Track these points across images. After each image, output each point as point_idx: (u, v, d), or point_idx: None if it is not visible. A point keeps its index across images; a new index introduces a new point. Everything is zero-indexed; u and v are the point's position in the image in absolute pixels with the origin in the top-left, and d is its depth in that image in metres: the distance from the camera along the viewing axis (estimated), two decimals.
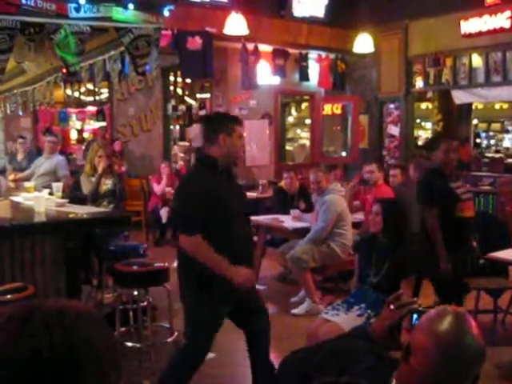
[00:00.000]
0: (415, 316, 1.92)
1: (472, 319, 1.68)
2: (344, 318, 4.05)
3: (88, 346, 1.09)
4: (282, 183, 8.05)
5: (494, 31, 9.14)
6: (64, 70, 5.55)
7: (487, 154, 17.86)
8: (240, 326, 3.93)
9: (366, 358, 1.91)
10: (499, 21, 9.03)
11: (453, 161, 5.21)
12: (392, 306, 2.08)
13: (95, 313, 1.19)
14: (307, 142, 13.67)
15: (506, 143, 22.74)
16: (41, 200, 5.23)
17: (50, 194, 6.03)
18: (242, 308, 3.79)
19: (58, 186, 6.04)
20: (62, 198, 5.85)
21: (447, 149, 5.17)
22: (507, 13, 8.88)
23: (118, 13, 4.84)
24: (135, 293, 4.98)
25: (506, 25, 8.94)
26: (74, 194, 6.17)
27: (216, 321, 3.67)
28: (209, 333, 3.66)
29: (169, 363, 3.81)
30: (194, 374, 3.67)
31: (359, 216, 7.15)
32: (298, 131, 17.15)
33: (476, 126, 19.42)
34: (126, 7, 4.86)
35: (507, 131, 23.24)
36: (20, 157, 8.98)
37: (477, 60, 9.87)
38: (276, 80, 10.88)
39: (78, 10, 4.65)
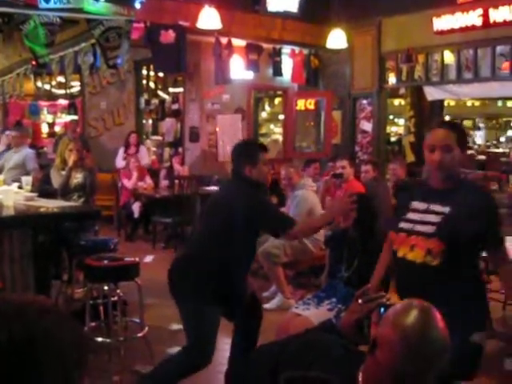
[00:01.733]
0: (383, 310, 1.92)
1: (437, 313, 1.69)
2: (314, 313, 4.05)
3: (49, 341, 1.07)
4: None
5: (466, 28, 9.21)
6: (33, 62, 5.47)
7: None
8: (231, 319, 4.01)
9: (334, 352, 1.91)
10: (471, 18, 9.10)
11: (435, 163, 2.99)
12: (360, 301, 2.08)
13: (61, 310, 1.18)
14: (280, 138, 13.67)
15: (477, 140, 23.02)
16: (9, 194, 5.16)
17: (20, 187, 5.95)
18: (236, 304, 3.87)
19: (27, 180, 5.96)
20: (32, 191, 5.78)
21: (427, 143, 3.04)
22: (479, 10, 8.96)
23: (88, 4, 4.79)
24: (105, 287, 4.94)
25: (478, 22, 9.02)
26: (43, 188, 6.09)
27: (216, 324, 3.76)
28: (212, 338, 3.72)
29: (168, 361, 3.88)
30: None
31: None
32: (272, 126, 17.16)
33: None
34: None
35: (479, 128, 23.52)
36: (1, 148, 8.85)
37: (449, 57, 9.95)
38: (249, 75, 10.85)
39: (47, 0, 4.58)
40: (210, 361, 3.74)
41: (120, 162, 10.30)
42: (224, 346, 4.75)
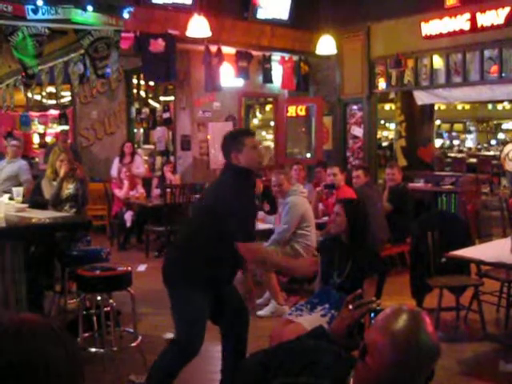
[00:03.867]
0: (374, 315, 1.92)
1: (427, 317, 1.69)
2: (307, 319, 4.05)
3: (46, 362, 1.06)
4: None
5: (454, 33, 9.28)
6: (23, 73, 5.47)
7: (450, 154, 18.13)
8: (218, 323, 3.96)
9: (325, 358, 1.91)
10: (459, 23, 9.17)
11: None
12: (351, 306, 2.09)
13: (54, 325, 1.16)
14: (272, 144, 13.69)
15: (468, 143, 23.12)
16: (0, 205, 5.14)
17: (11, 198, 5.92)
18: (222, 306, 3.83)
19: (18, 191, 5.93)
20: (23, 202, 5.76)
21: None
22: (466, 15, 9.03)
23: (76, 15, 4.79)
24: (98, 298, 4.92)
25: (466, 27, 9.09)
26: (34, 199, 6.07)
27: (205, 313, 3.70)
28: (200, 326, 3.67)
29: (160, 358, 3.81)
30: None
31: (326, 218, 7.17)
32: (263, 133, 17.20)
33: (439, 126, 19.68)
34: (84, 9, 4.81)
35: (470, 131, 23.63)
36: None
37: (438, 61, 10.01)
38: (240, 82, 10.88)
39: (35, 11, 4.59)
40: (199, 349, 3.67)
41: (114, 172, 10.28)
42: (217, 354, 4.74)
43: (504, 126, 23.57)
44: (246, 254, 3.69)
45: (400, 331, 1.63)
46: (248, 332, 4.04)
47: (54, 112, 13.11)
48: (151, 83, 12.44)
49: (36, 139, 13.42)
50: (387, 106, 15.11)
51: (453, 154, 18.44)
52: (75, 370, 1.11)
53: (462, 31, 9.18)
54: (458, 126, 23.41)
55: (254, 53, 10.74)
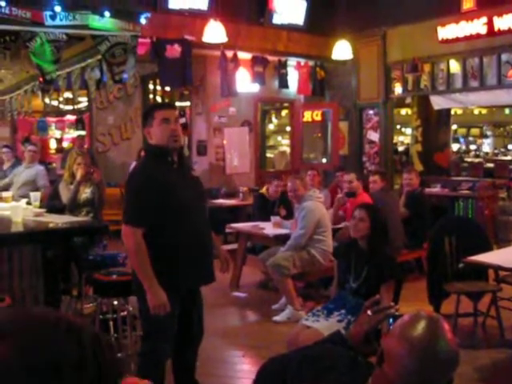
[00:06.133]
0: (392, 321, 1.91)
1: (446, 323, 1.67)
2: (324, 324, 4.03)
3: (105, 358, 1.06)
4: (263, 190, 8.04)
5: (471, 37, 9.24)
6: (40, 79, 5.51)
7: (467, 159, 18.03)
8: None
9: (342, 364, 1.89)
10: (475, 27, 9.13)
11: None
12: (369, 312, 2.08)
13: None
14: (288, 149, 13.68)
15: (485, 148, 22.95)
16: (18, 210, 5.17)
17: (28, 203, 5.97)
18: (185, 312, 3.63)
19: (35, 196, 5.98)
20: (40, 207, 5.80)
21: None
22: (483, 19, 8.98)
23: (94, 20, 4.82)
24: (115, 302, 4.94)
25: (482, 31, 9.04)
26: (51, 204, 6.11)
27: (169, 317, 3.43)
28: (165, 330, 3.47)
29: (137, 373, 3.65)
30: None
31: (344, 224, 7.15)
32: (279, 138, 17.19)
33: (455, 131, 19.56)
34: (102, 15, 4.84)
35: (486, 136, 23.46)
36: (6, 166, 8.87)
37: (454, 66, 9.96)
38: (255, 87, 10.89)
39: (53, 17, 4.62)
40: (167, 349, 3.51)
41: None
42: (229, 359, 4.74)
43: None
44: (123, 237, 3.42)
45: (418, 339, 1.61)
46: (199, 346, 3.84)
47: (70, 117, 13.20)
48: (167, 89, 12.47)
49: (53, 144, 13.51)
50: (403, 111, 15.04)
51: (469, 159, 18.31)
52: (113, 372, 1.11)
53: (478, 35, 9.14)
54: (475, 131, 23.24)
55: (270, 58, 10.76)
